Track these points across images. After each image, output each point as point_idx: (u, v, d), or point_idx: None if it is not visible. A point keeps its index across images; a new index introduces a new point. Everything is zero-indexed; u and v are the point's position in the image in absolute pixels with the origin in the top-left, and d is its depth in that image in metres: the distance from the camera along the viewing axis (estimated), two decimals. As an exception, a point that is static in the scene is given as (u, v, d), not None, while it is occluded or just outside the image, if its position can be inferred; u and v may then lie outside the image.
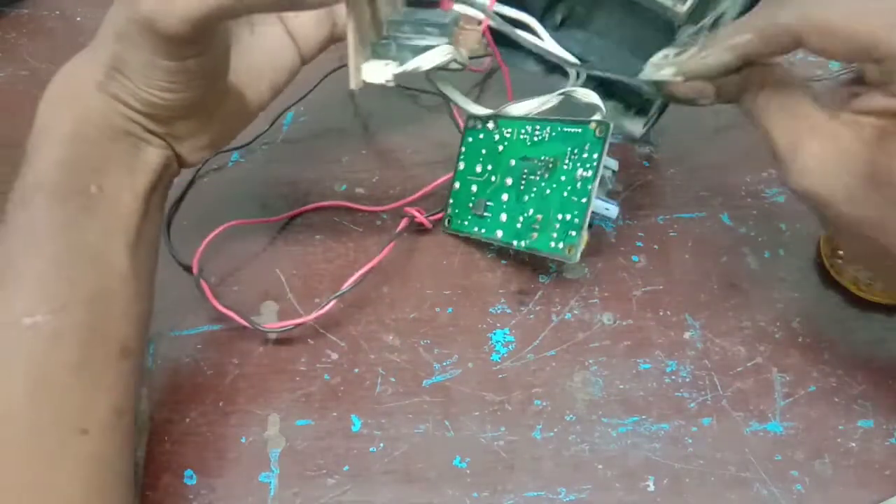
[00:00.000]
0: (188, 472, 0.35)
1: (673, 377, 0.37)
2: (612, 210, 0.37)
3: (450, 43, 0.33)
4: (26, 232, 0.29)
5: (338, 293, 0.37)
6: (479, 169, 0.40)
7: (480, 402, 0.36)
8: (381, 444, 0.36)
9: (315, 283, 0.40)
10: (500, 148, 0.39)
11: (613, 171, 0.37)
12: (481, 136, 0.40)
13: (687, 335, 0.38)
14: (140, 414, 0.37)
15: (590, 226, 0.36)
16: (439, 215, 0.42)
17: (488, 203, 0.40)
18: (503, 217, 0.39)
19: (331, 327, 0.39)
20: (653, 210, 0.42)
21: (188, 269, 0.38)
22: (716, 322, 0.38)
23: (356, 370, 0.38)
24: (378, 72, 0.32)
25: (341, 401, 0.37)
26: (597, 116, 0.36)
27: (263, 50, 0.35)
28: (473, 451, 0.35)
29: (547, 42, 0.37)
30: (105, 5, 0.31)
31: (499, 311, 0.39)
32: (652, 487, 0.34)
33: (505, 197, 0.39)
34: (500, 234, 0.39)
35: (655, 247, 0.41)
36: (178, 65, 0.29)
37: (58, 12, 0.54)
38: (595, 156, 0.35)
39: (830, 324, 0.38)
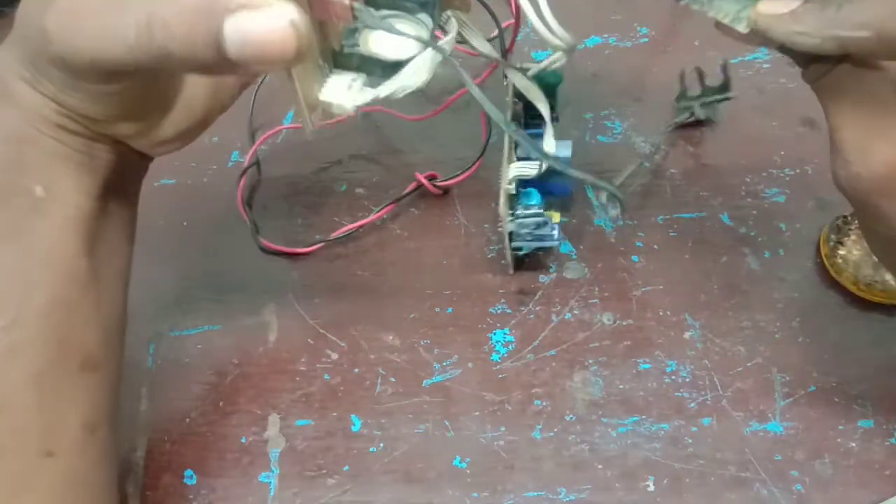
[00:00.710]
0: (188, 472, 0.35)
1: (673, 377, 0.37)
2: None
3: (435, 18, 0.26)
4: None
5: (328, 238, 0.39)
6: None
7: (480, 402, 0.36)
8: (381, 444, 0.36)
9: (315, 284, 0.40)
10: None
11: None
12: None
13: (687, 335, 0.38)
14: (140, 414, 0.37)
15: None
16: (454, 181, 0.42)
17: None
18: None
19: (331, 327, 0.39)
20: (653, 210, 0.42)
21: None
22: (716, 322, 0.38)
23: (356, 370, 0.38)
24: (339, 98, 0.24)
25: (341, 401, 0.37)
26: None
27: None
28: (473, 451, 0.35)
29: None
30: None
31: (499, 311, 0.39)
32: (652, 487, 0.34)
33: None
34: None
35: (655, 247, 0.40)
36: (100, 87, 0.25)
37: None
38: None
39: (830, 324, 0.38)
